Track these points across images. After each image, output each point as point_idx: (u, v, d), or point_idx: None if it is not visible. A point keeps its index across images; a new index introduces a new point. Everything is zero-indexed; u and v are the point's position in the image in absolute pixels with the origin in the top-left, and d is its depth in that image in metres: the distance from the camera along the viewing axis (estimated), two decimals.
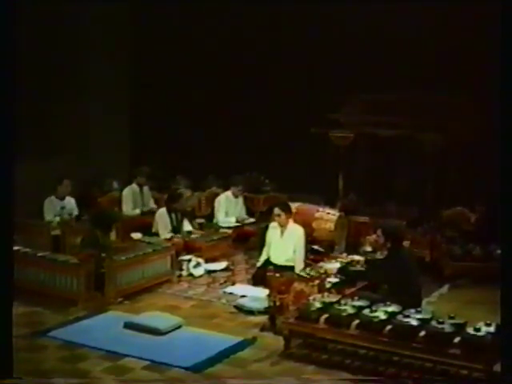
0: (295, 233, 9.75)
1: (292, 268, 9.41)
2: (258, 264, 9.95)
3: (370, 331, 7.16)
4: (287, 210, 9.79)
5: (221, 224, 11.80)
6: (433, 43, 11.90)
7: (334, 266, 9.03)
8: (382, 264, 8.43)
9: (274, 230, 9.85)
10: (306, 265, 9.42)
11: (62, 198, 11.17)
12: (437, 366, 7.08)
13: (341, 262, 9.17)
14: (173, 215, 10.98)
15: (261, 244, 10.13)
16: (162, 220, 10.93)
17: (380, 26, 12.03)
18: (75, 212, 11.24)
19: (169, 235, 10.78)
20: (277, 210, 9.75)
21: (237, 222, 11.92)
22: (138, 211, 11.97)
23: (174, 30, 13.72)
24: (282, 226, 9.75)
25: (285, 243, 9.73)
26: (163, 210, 11.05)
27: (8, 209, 5.97)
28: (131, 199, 11.98)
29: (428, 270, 9.88)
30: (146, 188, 12.21)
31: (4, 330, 5.77)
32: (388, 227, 8.42)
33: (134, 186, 12.08)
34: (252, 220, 12.18)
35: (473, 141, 11.43)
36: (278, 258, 9.73)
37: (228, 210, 11.99)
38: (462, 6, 11.20)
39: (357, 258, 9.36)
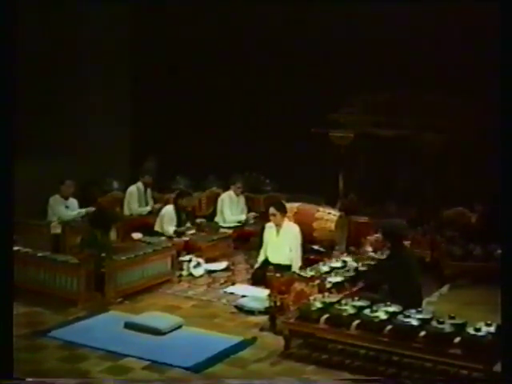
0: (291, 231, 9.80)
1: (290, 267, 9.43)
2: (256, 265, 9.99)
3: (371, 331, 7.17)
4: (282, 209, 9.85)
5: (228, 221, 11.85)
6: (433, 43, 11.89)
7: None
8: (383, 264, 8.43)
9: (270, 229, 9.92)
10: (306, 264, 9.43)
11: (66, 198, 11.22)
12: (437, 366, 7.08)
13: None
14: (179, 213, 11.13)
15: (259, 244, 10.17)
16: (169, 215, 11.03)
17: (380, 26, 12.02)
18: (80, 212, 11.26)
19: (172, 229, 10.91)
20: (272, 210, 9.82)
21: (245, 219, 12.02)
22: (148, 208, 12.04)
23: (174, 29, 13.71)
24: (278, 226, 9.80)
25: (281, 242, 9.79)
26: (170, 206, 11.17)
27: (8, 209, 5.97)
28: (137, 197, 12.01)
29: (428, 269, 9.87)
30: (149, 188, 12.23)
31: (4, 330, 5.77)
32: (388, 227, 8.39)
33: (140, 184, 12.09)
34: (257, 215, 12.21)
35: (473, 141, 11.43)
36: (276, 258, 9.78)
37: (231, 208, 12.03)
38: (462, 5, 11.21)
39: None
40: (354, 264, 8.99)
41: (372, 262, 9.04)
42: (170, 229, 10.98)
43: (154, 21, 13.91)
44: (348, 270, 8.82)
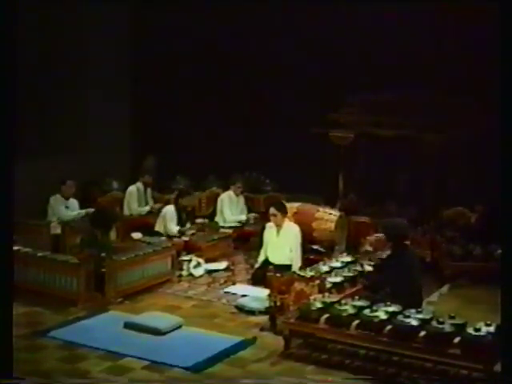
0: (291, 231, 9.82)
1: (290, 267, 9.43)
2: (257, 265, 10.00)
3: (370, 331, 7.16)
4: (282, 209, 9.87)
5: (228, 221, 11.87)
6: (433, 43, 11.89)
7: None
8: (385, 263, 8.41)
9: (270, 229, 9.95)
10: (306, 264, 9.43)
11: (67, 198, 11.23)
12: (437, 366, 7.09)
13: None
14: (180, 213, 11.14)
15: (260, 244, 10.17)
16: (171, 215, 11.04)
17: (380, 26, 12.03)
18: (80, 212, 11.26)
19: (176, 228, 10.91)
20: (272, 210, 9.84)
21: (245, 219, 12.03)
22: (147, 208, 12.03)
23: (174, 27, 13.69)
24: (278, 226, 9.82)
25: (281, 242, 9.81)
26: (171, 206, 11.18)
27: (8, 209, 5.97)
28: (137, 197, 12.00)
29: (428, 269, 9.86)
30: (149, 188, 12.23)
31: (4, 330, 5.77)
32: (390, 226, 8.36)
33: (139, 184, 12.08)
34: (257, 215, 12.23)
35: (473, 141, 11.43)
36: (276, 258, 9.79)
37: (231, 208, 12.04)
38: (462, 5, 11.21)
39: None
40: (367, 265, 9.01)
41: (372, 262, 9.04)
42: (174, 228, 10.98)
43: (154, 17, 13.88)
44: (362, 270, 8.84)
